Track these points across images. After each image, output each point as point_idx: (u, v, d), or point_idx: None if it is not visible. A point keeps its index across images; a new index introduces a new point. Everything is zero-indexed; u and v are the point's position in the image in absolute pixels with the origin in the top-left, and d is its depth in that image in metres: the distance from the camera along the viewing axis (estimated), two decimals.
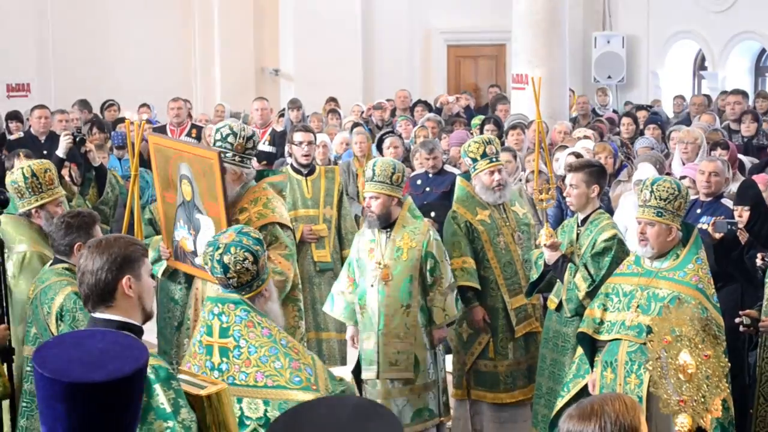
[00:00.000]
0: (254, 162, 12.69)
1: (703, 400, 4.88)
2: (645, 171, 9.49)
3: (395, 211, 7.69)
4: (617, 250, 7.20)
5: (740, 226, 7.75)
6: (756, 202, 7.96)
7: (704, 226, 8.42)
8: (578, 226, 7.59)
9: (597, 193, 7.57)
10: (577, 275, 7.25)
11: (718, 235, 7.77)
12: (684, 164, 10.64)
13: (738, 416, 7.25)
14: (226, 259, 5.11)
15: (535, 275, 7.75)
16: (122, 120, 14.96)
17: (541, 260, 7.60)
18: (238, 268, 5.11)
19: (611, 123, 15.03)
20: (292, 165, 9.97)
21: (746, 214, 7.89)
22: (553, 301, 7.66)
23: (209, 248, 5.22)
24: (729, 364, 5.31)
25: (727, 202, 8.60)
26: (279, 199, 7.03)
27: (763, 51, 20.33)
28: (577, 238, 7.53)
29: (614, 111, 18.30)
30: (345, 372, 8.36)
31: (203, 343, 5.10)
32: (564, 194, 7.73)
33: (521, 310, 8.37)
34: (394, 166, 7.64)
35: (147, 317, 4.39)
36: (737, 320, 6.96)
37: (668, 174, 10.00)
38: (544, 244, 7.42)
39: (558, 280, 7.49)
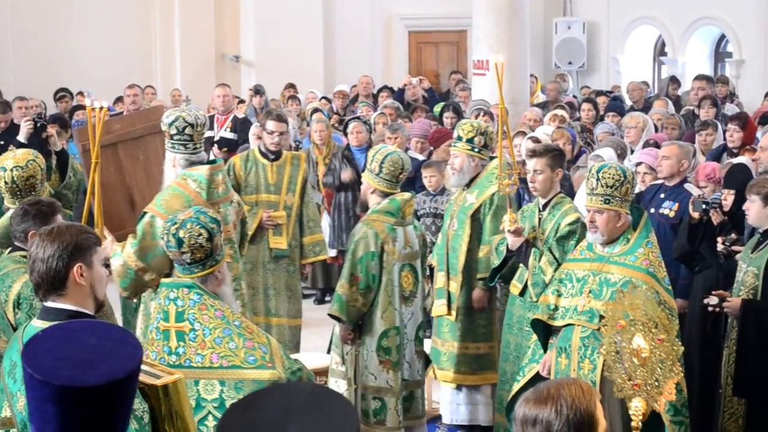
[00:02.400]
0: (214, 149, 12.77)
1: (656, 383, 4.92)
2: (604, 153, 9.51)
3: (371, 199, 7.59)
4: (581, 233, 7.22)
5: (725, 209, 7.79)
6: (742, 187, 7.99)
7: (666, 211, 8.48)
8: (540, 210, 7.61)
9: (560, 177, 7.62)
10: (543, 260, 7.27)
11: (696, 215, 7.82)
12: (632, 150, 10.80)
13: (710, 398, 7.36)
14: (181, 233, 5.18)
15: (496, 261, 7.74)
16: (79, 107, 14.91)
17: (503, 246, 7.60)
18: (192, 242, 5.17)
19: (571, 108, 15.14)
20: (259, 148, 9.99)
21: (731, 198, 7.95)
22: (516, 287, 7.65)
23: (167, 223, 5.31)
24: (682, 348, 5.37)
25: (690, 187, 8.66)
26: (181, 189, 6.92)
27: (723, 36, 20.44)
28: (540, 223, 7.55)
29: (574, 96, 18.38)
30: (311, 358, 8.40)
31: (160, 328, 5.15)
32: (529, 179, 7.71)
33: (439, 292, 8.38)
34: (374, 155, 7.57)
35: (99, 306, 4.39)
36: (705, 300, 7.04)
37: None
38: (508, 230, 7.40)
39: (522, 265, 7.50)
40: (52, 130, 10.25)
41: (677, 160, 8.69)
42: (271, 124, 9.85)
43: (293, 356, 8.57)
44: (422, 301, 7.71)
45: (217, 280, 5.28)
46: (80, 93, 16.63)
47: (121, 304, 8.38)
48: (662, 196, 8.68)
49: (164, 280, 5.38)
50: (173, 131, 7.00)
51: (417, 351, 7.67)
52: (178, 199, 6.88)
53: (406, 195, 7.59)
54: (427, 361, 7.88)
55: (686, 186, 8.67)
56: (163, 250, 6.73)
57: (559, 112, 13.04)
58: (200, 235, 5.17)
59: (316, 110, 14.57)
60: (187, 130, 6.97)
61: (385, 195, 7.51)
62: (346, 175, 12.01)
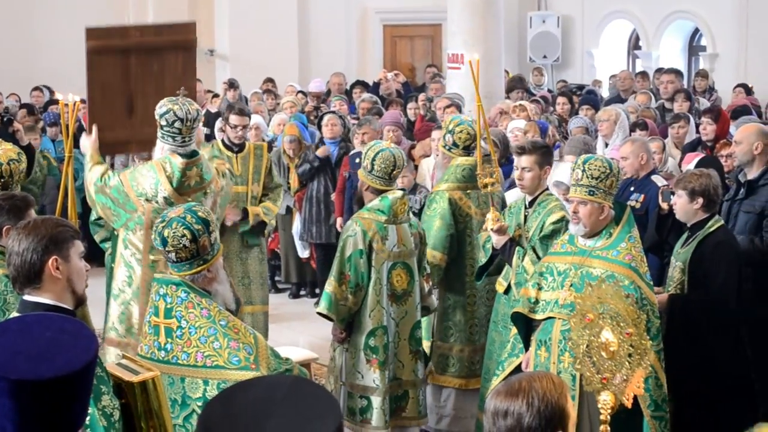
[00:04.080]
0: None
1: (625, 377, 4.93)
2: (561, 172, 9.41)
3: (366, 196, 7.52)
4: (565, 232, 7.19)
5: None
6: None
7: (632, 203, 8.52)
8: (525, 208, 7.55)
9: (548, 175, 7.58)
10: (526, 259, 7.20)
11: (665, 205, 7.87)
12: (606, 144, 10.85)
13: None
14: (166, 232, 5.19)
15: (483, 259, 7.71)
16: (54, 102, 14.90)
17: (489, 244, 7.55)
18: (174, 243, 5.17)
19: (545, 102, 15.19)
20: (223, 141, 10.10)
21: None
22: (501, 284, 7.61)
23: (158, 220, 5.32)
24: (651, 342, 5.38)
25: (657, 179, 8.73)
26: (155, 171, 7.24)
27: (697, 30, 20.52)
28: (525, 221, 7.50)
29: (549, 90, 18.43)
30: (284, 352, 8.38)
31: (152, 323, 5.18)
32: (516, 177, 7.65)
33: None
34: (366, 151, 7.51)
35: (78, 301, 4.38)
36: None
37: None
38: (492, 229, 7.34)
39: (506, 263, 7.47)
40: (18, 125, 10.26)
41: (635, 156, 8.79)
42: (234, 118, 10.01)
43: (292, 349, 8.73)
44: (421, 299, 7.60)
45: (207, 279, 5.26)
46: (37, 89, 16.68)
47: (106, 282, 8.37)
48: (632, 188, 8.75)
49: (156, 276, 5.43)
50: (163, 122, 7.19)
51: (413, 351, 7.54)
52: (148, 181, 7.21)
53: (398, 193, 7.45)
54: (426, 360, 7.78)
55: (653, 177, 8.75)
56: (111, 205, 7.26)
57: (527, 103, 13.15)
58: (183, 236, 5.16)
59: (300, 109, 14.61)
60: (176, 124, 7.18)
61: (379, 192, 7.41)
62: (321, 150, 12.09)
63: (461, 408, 8.32)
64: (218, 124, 12.48)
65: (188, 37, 7.89)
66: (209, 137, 13.44)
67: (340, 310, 7.32)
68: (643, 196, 8.63)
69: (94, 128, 7.52)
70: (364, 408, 7.37)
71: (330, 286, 7.33)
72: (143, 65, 7.81)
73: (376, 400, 7.35)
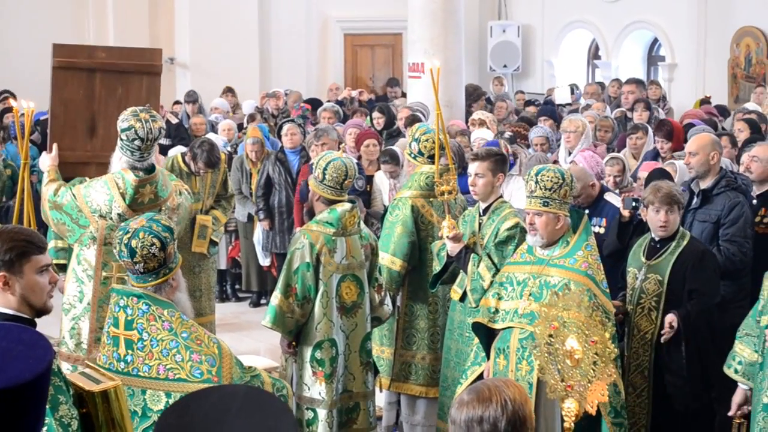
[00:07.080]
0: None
1: (589, 385, 4.96)
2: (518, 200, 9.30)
3: (317, 207, 7.42)
4: (520, 238, 7.17)
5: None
6: None
7: (595, 229, 8.50)
8: (480, 215, 7.58)
9: (501, 182, 7.60)
10: (481, 265, 7.23)
11: (626, 213, 7.88)
12: (570, 153, 10.80)
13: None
14: (133, 243, 5.14)
15: (437, 267, 7.70)
16: (10, 110, 14.86)
17: (444, 252, 7.56)
18: (144, 253, 5.13)
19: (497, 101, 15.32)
20: (183, 158, 10.20)
21: None
22: (456, 292, 7.62)
23: (119, 232, 5.27)
24: (616, 350, 5.41)
25: (610, 197, 8.60)
26: (109, 187, 7.19)
27: (656, 40, 20.66)
28: (480, 228, 7.53)
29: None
30: (255, 361, 8.37)
31: (110, 334, 5.14)
32: (470, 183, 7.67)
33: None
34: (317, 161, 7.41)
35: (39, 312, 4.35)
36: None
37: (555, 162, 10.12)
38: (447, 236, 7.38)
39: (461, 270, 7.49)
40: None
41: (581, 183, 8.53)
42: (202, 166, 10.23)
43: (254, 358, 8.71)
44: (372, 310, 7.53)
45: (172, 288, 5.24)
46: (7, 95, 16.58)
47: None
48: (587, 212, 8.65)
49: (115, 287, 5.37)
50: (123, 137, 7.12)
51: (364, 363, 7.47)
52: (101, 197, 7.17)
53: (347, 205, 7.32)
54: (376, 372, 7.72)
55: (606, 197, 8.63)
56: (66, 221, 7.18)
57: (486, 115, 13.20)
58: (153, 245, 5.14)
59: (253, 117, 14.55)
60: (136, 142, 7.15)
61: (330, 202, 7.31)
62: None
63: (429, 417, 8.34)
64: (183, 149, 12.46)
65: (153, 63, 7.92)
66: (170, 147, 13.39)
67: (287, 322, 7.22)
68: (605, 220, 8.54)
69: (55, 146, 7.49)
70: (311, 420, 7.29)
71: (276, 299, 7.23)
72: (108, 86, 7.83)
73: (322, 413, 7.27)
